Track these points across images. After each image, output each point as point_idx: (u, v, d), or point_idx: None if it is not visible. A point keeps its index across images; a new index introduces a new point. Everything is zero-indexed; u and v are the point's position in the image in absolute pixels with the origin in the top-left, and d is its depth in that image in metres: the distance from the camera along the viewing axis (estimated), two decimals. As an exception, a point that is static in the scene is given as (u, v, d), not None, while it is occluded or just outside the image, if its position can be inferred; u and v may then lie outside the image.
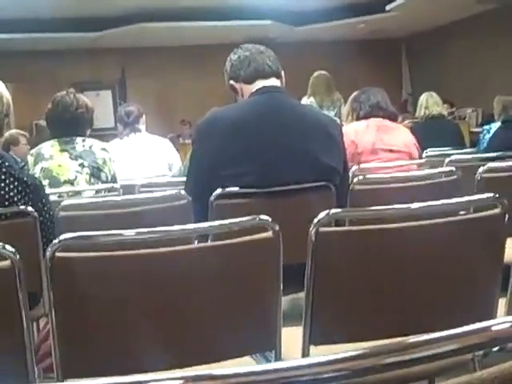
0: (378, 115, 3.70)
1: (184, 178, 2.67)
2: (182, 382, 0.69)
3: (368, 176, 2.60)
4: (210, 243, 1.71)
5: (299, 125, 2.37)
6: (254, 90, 2.45)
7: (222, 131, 2.32)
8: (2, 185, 2.08)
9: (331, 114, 5.76)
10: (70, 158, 3.22)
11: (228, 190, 2.25)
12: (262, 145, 2.31)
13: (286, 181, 2.29)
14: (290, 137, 2.33)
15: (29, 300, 1.36)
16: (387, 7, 9.55)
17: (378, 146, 3.55)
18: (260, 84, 2.45)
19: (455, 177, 2.61)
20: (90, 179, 3.21)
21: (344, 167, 2.47)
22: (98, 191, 3.16)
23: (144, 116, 4.64)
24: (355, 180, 2.50)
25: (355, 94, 3.92)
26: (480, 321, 0.81)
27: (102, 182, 3.24)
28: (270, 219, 1.46)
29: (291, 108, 2.43)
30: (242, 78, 2.48)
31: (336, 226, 1.75)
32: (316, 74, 6.24)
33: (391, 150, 3.55)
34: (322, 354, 0.76)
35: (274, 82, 2.47)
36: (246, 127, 2.32)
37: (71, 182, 3.18)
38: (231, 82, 2.52)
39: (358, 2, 9.68)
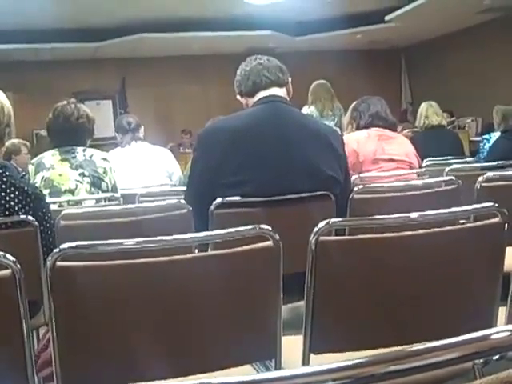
0: (378, 125, 3.70)
1: (184, 188, 2.67)
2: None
3: (368, 185, 2.61)
4: (210, 252, 1.71)
5: (299, 134, 2.38)
6: (255, 101, 2.48)
7: (222, 141, 2.34)
8: (3, 194, 2.09)
9: (331, 124, 5.76)
10: (71, 167, 3.23)
11: (228, 199, 2.26)
12: (262, 154, 2.31)
13: (286, 190, 2.29)
14: (289, 146, 2.34)
15: (29, 309, 1.36)
16: (386, 18, 9.58)
17: (379, 155, 3.56)
18: (260, 95, 2.48)
19: (455, 186, 2.61)
20: (90, 189, 3.21)
21: (345, 177, 2.48)
22: (98, 200, 3.16)
23: (142, 127, 4.66)
24: (355, 189, 2.50)
25: (355, 103, 3.93)
26: (480, 329, 0.81)
27: (103, 192, 3.25)
28: (270, 228, 1.46)
29: (291, 117, 2.44)
30: (244, 92, 2.54)
31: (336, 235, 1.76)
32: (316, 82, 6.25)
33: (392, 160, 3.56)
34: (322, 362, 0.76)
35: (274, 91, 2.48)
36: (246, 137, 2.33)
37: (72, 192, 3.18)
38: (238, 97, 2.58)
39: (358, 13, 9.70)
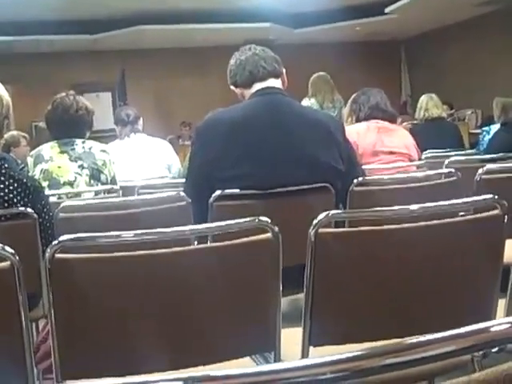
0: (378, 116, 3.70)
1: (183, 180, 2.67)
2: (181, 383, 0.70)
3: (368, 177, 2.60)
4: (209, 244, 1.71)
5: (298, 125, 2.37)
6: (252, 92, 2.46)
7: (220, 133, 2.33)
8: (2, 186, 2.08)
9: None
10: (70, 159, 3.22)
11: (228, 191, 2.26)
12: (261, 147, 2.31)
13: (285, 182, 2.29)
14: (288, 138, 2.33)
15: (28, 301, 1.36)
16: (386, 10, 9.57)
17: (379, 147, 3.55)
18: (258, 86, 2.46)
19: (455, 178, 2.61)
20: (89, 181, 3.21)
21: (349, 165, 2.45)
22: (97, 193, 3.16)
23: (141, 119, 4.66)
24: (355, 181, 2.50)
25: (355, 95, 3.92)
26: (479, 322, 0.81)
27: (102, 184, 3.25)
28: (269, 221, 1.46)
29: (290, 108, 2.43)
30: (240, 82, 2.50)
31: (336, 227, 1.75)
32: (316, 74, 6.24)
33: (392, 152, 3.55)
34: (322, 354, 0.76)
35: (271, 82, 2.47)
36: (245, 129, 2.33)
37: (71, 184, 3.18)
38: (232, 87, 2.55)
39: (358, 5, 9.69)
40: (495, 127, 5.15)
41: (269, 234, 1.45)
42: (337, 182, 2.37)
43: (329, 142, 2.39)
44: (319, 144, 2.36)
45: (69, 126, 3.29)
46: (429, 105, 5.31)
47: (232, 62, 2.55)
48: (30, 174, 3.06)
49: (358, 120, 3.78)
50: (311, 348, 1.48)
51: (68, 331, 1.36)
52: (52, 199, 2.71)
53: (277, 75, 2.50)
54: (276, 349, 1.50)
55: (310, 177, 2.31)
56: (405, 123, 6.60)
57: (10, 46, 9.47)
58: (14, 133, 5.47)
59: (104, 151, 3.35)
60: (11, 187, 2.11)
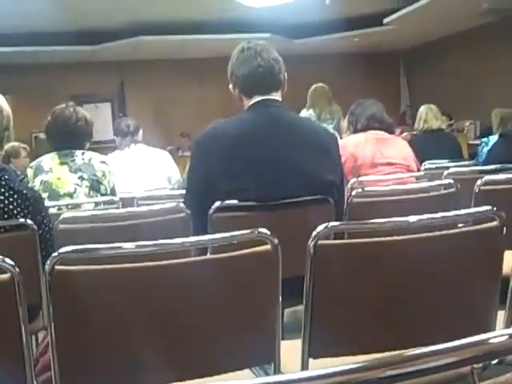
0: (375, 127, 3.71)
1: (183, 191, 2.67)
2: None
3: (367, 189, 2.61)
4: (209, 256, 1.71)
5: (297, 139, 2.37)
6: (251, 104, 2.45)
7: (220, 146, 2.32)
8: (2, 197, 2.09)
9: (330, 127, 5.78)
10: (70, 170, 3.23)
11: (227, 202, 2.26)
12: (261, 160, 2.30)
13: (285, 195, 2.29)
14: (288, 151, 2.33)
15: (28, 313, 1.36)
16: (385, 21, 9.60)
17: (378, 159, 3.56)
18: (258, 98, 2.44)
19: (453, 189, 2.61)
20: (89, 192, 3.21)
21: (341, 180, 2.48)
22: (97, 204, 3.16)
23: (141, 130, 4.67)
24: (354, 193, 2.50)
25: (351, 107, 3.94)
26: (479, 333, 0.81)
27: (102, 195, 3.24)
28: (269, 232, 1.46)
29: (289, 122, 2.43)
30: (240, 90, 2.48)
31: (335, 239, 1.76)
32: (314, 86, 6.26)
33: (390, 163, 3.56)
34: (321, 366, 0.76)
35: (272, 95, 2.46)
36: (244, 142, 2.32)
37: (70, 195, 3.18)
38: (230, 86, 2.52)
39: (356, 16, 9.72)
40: (494, 138, 5.16)
41: (268, 246, 1.45)
42: (335, 193, 2.38)
43: (326, 157, 2.40)
44: (317, 158, 2.36)
45: (68, 138, 3.29)
46: (428, 116, 5.32)
47: (235, 64, 2.47)
48: (29, 185, 3.06)
49: (355, 131, 3.79)
50: (311, 360, 1.48)
51: (68, 343, 1.36)
52: (52, 210, 2.71)
53: (278, 88, 2.48)
54: (276, 361, 1.50)
55: (309, 189, 2.31)
56: (404, 134, 6.61)
57: (10, 56, 9.49)
58: (15, 144, 5.48)
59: (103, 162, 3.35)
60: (11, 198, 2.11)
